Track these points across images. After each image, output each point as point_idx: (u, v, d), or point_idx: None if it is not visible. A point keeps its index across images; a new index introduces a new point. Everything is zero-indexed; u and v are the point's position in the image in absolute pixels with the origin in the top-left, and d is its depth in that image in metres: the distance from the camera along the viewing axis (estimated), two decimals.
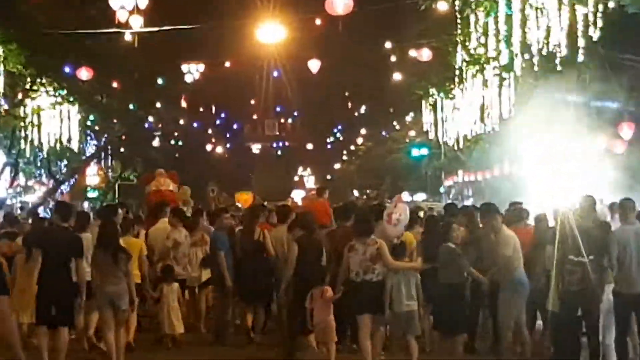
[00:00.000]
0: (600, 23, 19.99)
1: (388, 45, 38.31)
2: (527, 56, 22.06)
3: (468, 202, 46.06)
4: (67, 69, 33.53)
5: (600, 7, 19.95)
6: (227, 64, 42.60)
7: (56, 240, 13.87)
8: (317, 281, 14.05)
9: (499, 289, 14.06)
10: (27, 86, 33.54)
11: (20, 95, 33.70)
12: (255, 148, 59.74)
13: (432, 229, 15.40)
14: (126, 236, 15.61)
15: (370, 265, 13.55)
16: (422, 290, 13.86)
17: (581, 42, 20.55)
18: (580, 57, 21.27)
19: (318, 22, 31.79)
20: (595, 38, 20.47)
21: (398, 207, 15.14)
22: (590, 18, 19.98)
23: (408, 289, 13.62)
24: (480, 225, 15.45)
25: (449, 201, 48.04)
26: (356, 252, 13.67)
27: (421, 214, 20.45)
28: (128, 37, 32.00)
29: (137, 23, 30.12)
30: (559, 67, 22.21)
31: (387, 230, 14.75)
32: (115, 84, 37.93)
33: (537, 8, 20.79)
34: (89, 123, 41.69)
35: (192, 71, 41.93)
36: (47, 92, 34.53)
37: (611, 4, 20.21)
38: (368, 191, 69.49)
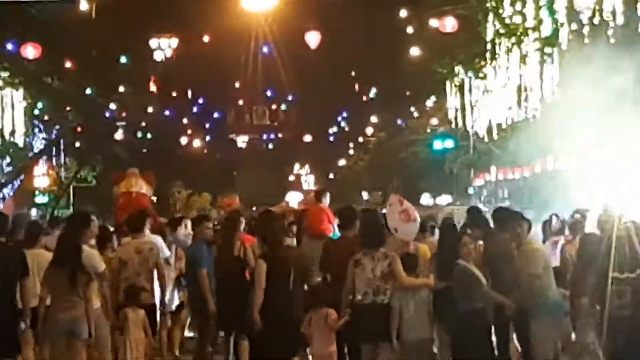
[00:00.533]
0: None
1: (403, 13, 38.34)
2: (574, 26, 22.09)
3: (503, 206, 46.06)
4: (9, 46, 33.57)
5: None
6: (206, 39, 42.59)
7: None
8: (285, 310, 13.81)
9: (529, 317, 13.77)
10: None
11: None
12: (241, 141, 59.87)
13: (447, 240, 14.73)
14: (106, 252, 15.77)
15: (380, 285, 13.53)
16: (439, 317, 13.78)
17: None
18: None
19: None
20: None
21: (406, 203, 15.14)
22: None
23: (421, 312, 13.59)
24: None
25: (480, 204, 48.15)
26: (363, 268, 13.62)
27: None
28: (84, 6, 32.10)
29: None
30: (612, 40, 22.24)
31: (406, 230, 14.70)
32: (68, 64, 37.95)
33: None
34: (36, 112, 41.77)
35: (163, 47, 42.00)
36: None
37: None
38: (379, 193, 69.66)
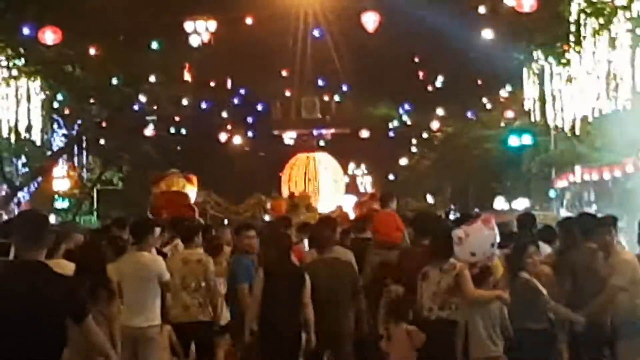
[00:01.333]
0: None
1: None
2: None
3: (590, 211, 46.04)
4: (25, 30, 33.83)
5: None
6: (248, 21, 42.77)
7: None
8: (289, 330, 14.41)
9: (617, 336, 13.87)
10: None
11: None
12: (288, 137, 59.69)
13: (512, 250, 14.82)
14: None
15: (446, 298, 13.74)
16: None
17: None
18: None
19: None
20: None
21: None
22: None
23: (490, 329, 13.65)
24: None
25: (562, 209, 48.09)
26: (429, 281, 13.91)
27: None
28: None
29: None
30: None
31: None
32: (92, 51, 38.21)
33: None
34: (56, 105, 42.10)
35: (200, 30, 42.17)
36: None
37: None
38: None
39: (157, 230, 16.04)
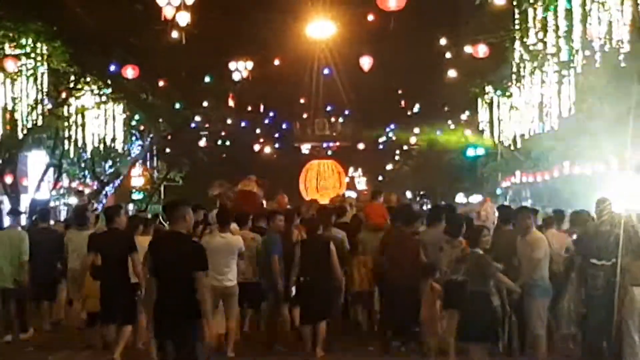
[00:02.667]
0: None
1: (443, 41, 38.26)
2: (588, 52, 21.98)
3: (526, 205, 45.89)
4: (112, 67, 33.77)
5: None
6: (276, 62, 42.71)
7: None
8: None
9: (527, 294, 13.84)
10: (71, 85, 33.86)
11: (64, 94, 34.00)
12: (305, 148, 59.58)
13: (469, 231, 14.75)
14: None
15: (456, 265, 14.06)
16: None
17: None
18: None
19: (370, 18, 31.80)
20: None
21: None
22: None
23: None
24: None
25: (506, 203, 47.88)
26: (444, 253, 14.44)
27: None
28: (175, 34, 32.25)
29: (184, 20, 30.34)
30: (622, 64, 22.12)
31: None
32: (161, 83, 38.17)
33: (598, 2, 20.75)
34: (134, 123, 42.08)
35: (240, 69, 42.06)
36: (91, 91, 34.88)
37: None
38: (422, 192, 69.36)
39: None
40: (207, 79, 43.07)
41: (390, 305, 16.17)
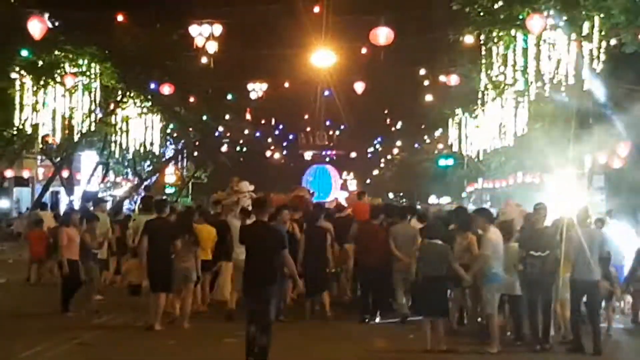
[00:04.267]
0: (603, 57, 19.92)
1: (422, 71, 38.24)
2: (539, 84, 22.00)
3: (486, 206, 45.89)
4: (152, 85, 33.82)
5: (604, 44, 19.87)
6: (286, 84, 42.67)
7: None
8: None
9: (480, 282, 13.74)
10: (118, 98, 33.95)
11: (112, 106, 34.11)
12: (308, 155, 59.66)
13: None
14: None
15: (463, 254, 14.13)
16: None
17: (585, 74, 20.58)
18: (586, 86, 21.27)
19: (364, 50, 31.78)
20: (598, 70, 20.44)
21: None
22: (595, 53, 19.90)
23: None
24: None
25: (470, 204, 47.85)
26: (455, 243, 14.27)
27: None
28: (204, 59, 32.29)
29: (212, 48, 30.38)
30: (564, 95, 22.21)
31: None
32: (191, 99, 38.17)
33: (549, 43, 20.81)
34: (168, 130, 42.05)
35: (256, 89, 42.11)
36: (134, 103, 34.94)
37: (613, 42, 20.14)
38: (401, 194, 69.41)
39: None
40: (229, 97, 43.08)
41: (363, 284, 16.67)
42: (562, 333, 14.25)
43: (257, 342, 11.26)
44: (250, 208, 15.84)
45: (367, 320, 15.94)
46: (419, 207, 24.79)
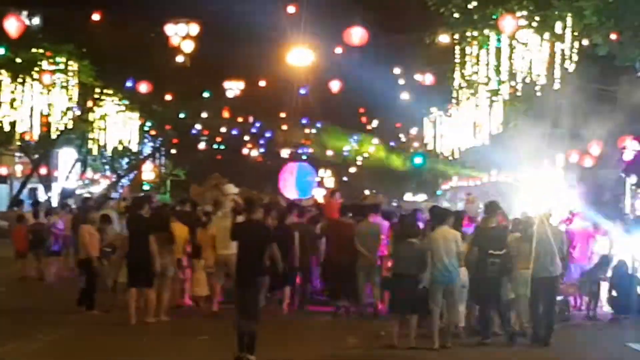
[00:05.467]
0: (575, 57, 20.03)
1: (397, 70, 38.20)
2: (512, 83, 22.09)
3: (461, 204, 46.05)
4: (129, 83, 33.72)
5: (576, 44, 19.98)
6: (262, 83, 42.54)
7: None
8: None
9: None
10: (96, 96, 33.85)
11: (90, 103, 34.01)
12: (284, 153, 59.66)
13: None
14: None
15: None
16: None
17: (557, 73, 20.66)
18: (557, 85, 21.36)
19: (338, 50, 31.69)
20: (570, 70, 20.54)
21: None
22: (567, 53, 20.00)
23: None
24: None
25: (444, 202, 48.07)
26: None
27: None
28: (180, 58, 32.21)
29: (189, 47, 30.29)
30: (538, 93, 22.28)
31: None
32: (168, 97, 38.07)
33: (522, 43, 20.88)
34: (146, 128, 41.91)
35: (233, 87, 41.95)
36: (112, 101, 34.81)
37: (585, 42, 20.24)
38: (374, 191, 69.40)
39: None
40: (206, 94, 42.96)
41: (331, 277, 17.20)
42: (517, 325, 14.48)
43: (246, 329, 11.88)
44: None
45: (338, 310, 16.45)
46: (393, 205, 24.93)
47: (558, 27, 19.76)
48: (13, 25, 21.73)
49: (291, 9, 28.42)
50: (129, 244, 15.11)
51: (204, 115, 45.47)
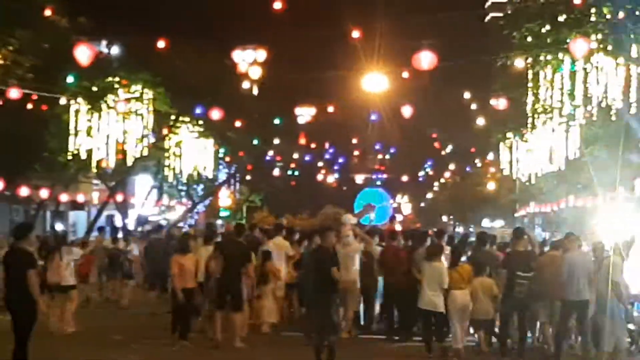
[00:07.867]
0: None
1: (467, 95, 37.90)
2: (588, 107, 21.73)
3: (538, 230, 45.46)
4: (198, 110, 33.99)
5: None
6: (330, 109, 42.57)
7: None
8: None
9: None
10: (171, 123, 34.17)
11: (165, 131, 34.35)
12: (359, 178, 59.61)
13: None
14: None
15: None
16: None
17: (633, 97, 20.24)
18: (633, 110, 20.91)
19: (405, 75, 31.37)
20: None
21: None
22: None
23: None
24: None
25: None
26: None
27: None
28: (245, 84, 32.47)
29: (257, 73, 30.54)
30: (613, 118, 21.89)
31: None
32: (238, 123, 38.38)
33: (596, 67, 20.52)
34: (221, 154, 42.21)
35: (305, 114, 42.08)
36: (187, 128, 35.10)
37: None
38: (451, 217, 68.88)
39: None
40: (277, 121, 43.06)
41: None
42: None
43: (328, 342, 13.25)
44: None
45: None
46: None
47: (634, 50, 19.36)
48: (84, 54, 22.10)
49: (355, 34, 28.30)
50: (223, 267, 15.39)
51: (276, 141, 45.63)
